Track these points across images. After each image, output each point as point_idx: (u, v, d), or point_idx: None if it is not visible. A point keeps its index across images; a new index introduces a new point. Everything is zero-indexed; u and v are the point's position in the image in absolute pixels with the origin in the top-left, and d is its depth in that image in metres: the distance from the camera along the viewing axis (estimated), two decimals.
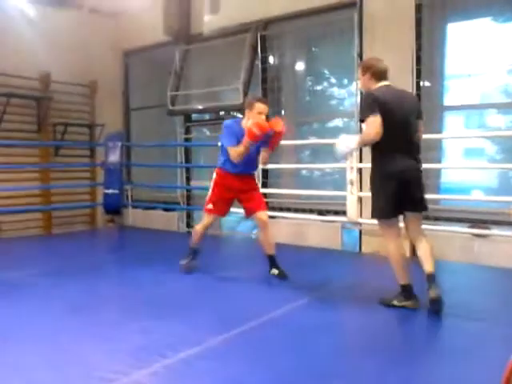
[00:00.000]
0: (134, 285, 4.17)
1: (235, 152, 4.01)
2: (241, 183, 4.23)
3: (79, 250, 5.96)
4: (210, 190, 4.34)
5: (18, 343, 2.81)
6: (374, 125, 3.14)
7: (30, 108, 7.04)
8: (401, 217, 3.42)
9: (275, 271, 4.29)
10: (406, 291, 3.37)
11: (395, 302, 3.40)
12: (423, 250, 3.33)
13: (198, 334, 2.89)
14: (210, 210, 4.33)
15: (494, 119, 5.55)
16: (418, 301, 3.34)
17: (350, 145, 3.30)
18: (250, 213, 4.29)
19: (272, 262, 4.32)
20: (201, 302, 3.65)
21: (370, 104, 3.20)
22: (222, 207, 4.33)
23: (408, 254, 5.14)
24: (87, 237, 7.27)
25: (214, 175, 4.34)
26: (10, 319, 3.24)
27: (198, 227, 4.47)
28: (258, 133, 3.81)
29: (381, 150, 3.27)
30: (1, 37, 6.55)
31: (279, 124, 3.96)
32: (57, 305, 3.55)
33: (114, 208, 7.57)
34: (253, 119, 3.92)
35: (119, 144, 7.54)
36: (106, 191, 7.49)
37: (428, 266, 3.26)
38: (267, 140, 4.01)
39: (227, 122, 4.25)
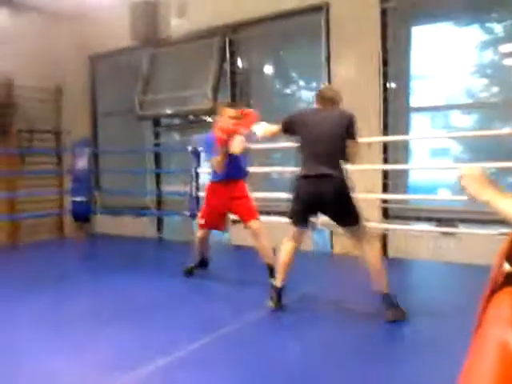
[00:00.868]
0: (104, 295, 4.09)
1: (214, 161, 4.04)
2: (229, 190, 4.20)
3: (47, 260, 5.82)
4: (203, 205, 4.45)
5: None
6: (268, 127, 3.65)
7: None
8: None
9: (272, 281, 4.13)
10: (276, 292, 3.47)
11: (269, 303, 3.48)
12: (372, 269, 3.27)
13: (175, 341, 2.88)
14: (201, 225, 4.41)
15: (458, 120, 5.70)
16: (280, 303, 3.45)
17: (257, 133, 3.70)
18: (243, 222, 4.28)
19: (270, 271, 4.11)
20: (177, 308, 3.61)
21: (284, 119, 3.59)
22: (213, 221, 4.35)
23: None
24: (55, 246, 7.11)
25: (206, 190, 4.44)
26: None
27: (195, 241, 4.55)
28: (224, 136, 3.85)
29: (301, 161, 3.46)
30: None
31: (237, 144, 3.94)
32: (23, 317, 3.46)
33: (82, 216, 7.44)
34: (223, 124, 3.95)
35: (87, 150, 7.42)
36: (74, 199, 7.35)
37: (381, 286, 3.23)
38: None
39: (204, 136, 4.36)
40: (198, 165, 6.20)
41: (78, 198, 7.28)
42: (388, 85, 5.35)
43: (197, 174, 6.17)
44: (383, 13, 5.28)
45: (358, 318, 3.31)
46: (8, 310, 3.62)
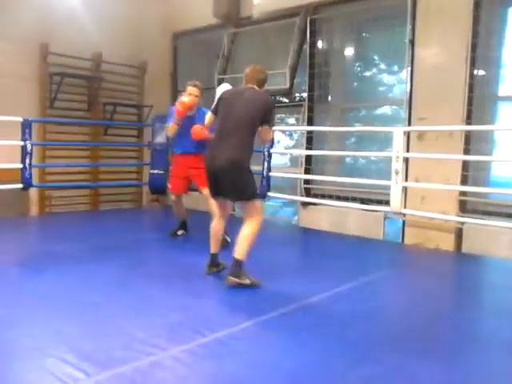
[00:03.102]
0: (173, 263, 4.26)
1: (168, 127, 4.90)
2: (186, 161, 4.91)
3: (123, 228, 6.12)
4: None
5: (60, 312, 2.94)
6: (206, 118, 3.91)
7: (82, 87, 7.24)
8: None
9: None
10: (212, 259, 3.84)
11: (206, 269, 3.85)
12: (239, 235, 3.54)
13: (235, 314, 2.94)
14: (169, 189, 5.20)
15: None
16: (219, 267, 3.80)
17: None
18: (198, 189, 4.93)
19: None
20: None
21: (214, 103, 3.79)
22: (176, 186, 5.04)
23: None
24: (132, 215, 7.46)
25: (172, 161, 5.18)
26: (53, 289, 3.39)
27: (172, 205, 5.25)
28: (180, 108, 4.60)
29: (213, 137, 3.74)
30: (55, 17, 6.73)
31: (196, 131, 4.50)
32: (98, 278, 3.67)
33: (159, 188, 7.70)
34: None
35: (166, 125, 7.63)
36: (152, 171, 7.62)
37: (238, 252, 3.47)
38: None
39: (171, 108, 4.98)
40: (272, 145, 6.21)
41: (156, 171, 7.54)
42: (475, 71, 5.06)
43: (269, 155, 6.18)
44: None
45: (428, 307, 3.21)
46: (83, 269, 3.86)
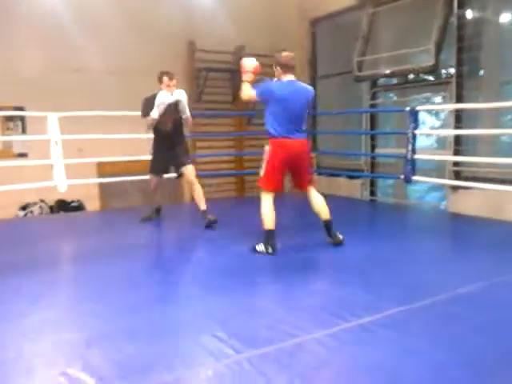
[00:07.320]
0: (313, 248, 4.25)
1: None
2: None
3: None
4: None
5: (211, 292, 3.11)
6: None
7: (226, 80, 7.60)
8: None
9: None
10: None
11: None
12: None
13: (380, 302, 2.86)
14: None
15: None
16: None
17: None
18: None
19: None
20: (384, 270, 3.57)
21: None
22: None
23: None
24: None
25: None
26: (206, 271, 3.63)
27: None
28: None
29: None
30: (200, 15, 7.14)
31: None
32: (247, 259, 3.85)
33: None
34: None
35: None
36: None
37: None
38: None
39: None
40: (416, 126, 5.90)
41: None
42: None
43: (414, 136, 5.88)
44: None
45: None
46: (226, 250, 4.05)
